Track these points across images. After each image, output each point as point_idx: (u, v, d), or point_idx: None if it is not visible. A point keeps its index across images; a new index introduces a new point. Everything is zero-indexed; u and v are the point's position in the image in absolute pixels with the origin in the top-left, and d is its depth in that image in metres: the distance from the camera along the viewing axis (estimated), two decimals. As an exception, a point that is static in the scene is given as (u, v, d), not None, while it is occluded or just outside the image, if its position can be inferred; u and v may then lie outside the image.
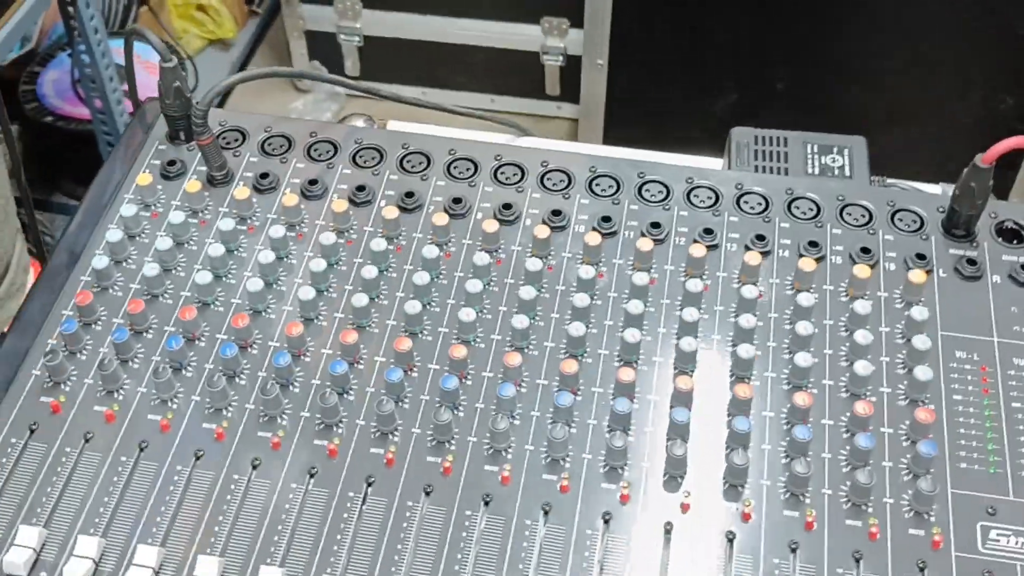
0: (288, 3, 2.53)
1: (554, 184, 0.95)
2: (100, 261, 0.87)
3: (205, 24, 2.66)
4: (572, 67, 2.56)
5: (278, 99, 2.68)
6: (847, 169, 1.05)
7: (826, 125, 1.11)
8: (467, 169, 0.96)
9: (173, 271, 0.88)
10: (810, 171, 1.04)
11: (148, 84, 2.40)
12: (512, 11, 2.45)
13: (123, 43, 0.95)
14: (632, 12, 2.12)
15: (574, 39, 2.50)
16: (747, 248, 0.89)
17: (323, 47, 2.73)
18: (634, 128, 2.11)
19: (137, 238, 0.90)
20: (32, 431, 0.79)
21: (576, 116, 2.70)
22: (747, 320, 0.83)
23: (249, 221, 0.92)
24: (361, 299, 0.84)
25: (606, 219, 0.91)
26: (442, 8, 2.48)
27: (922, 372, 0.79)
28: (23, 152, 2.34)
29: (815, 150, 1.06)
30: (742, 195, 0.94)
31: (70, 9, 1.98)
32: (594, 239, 0.88)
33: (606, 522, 0.75)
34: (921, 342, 0.81)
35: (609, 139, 2.13)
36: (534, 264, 0.87)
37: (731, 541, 0.74)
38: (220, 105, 1.91)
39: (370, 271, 0.86)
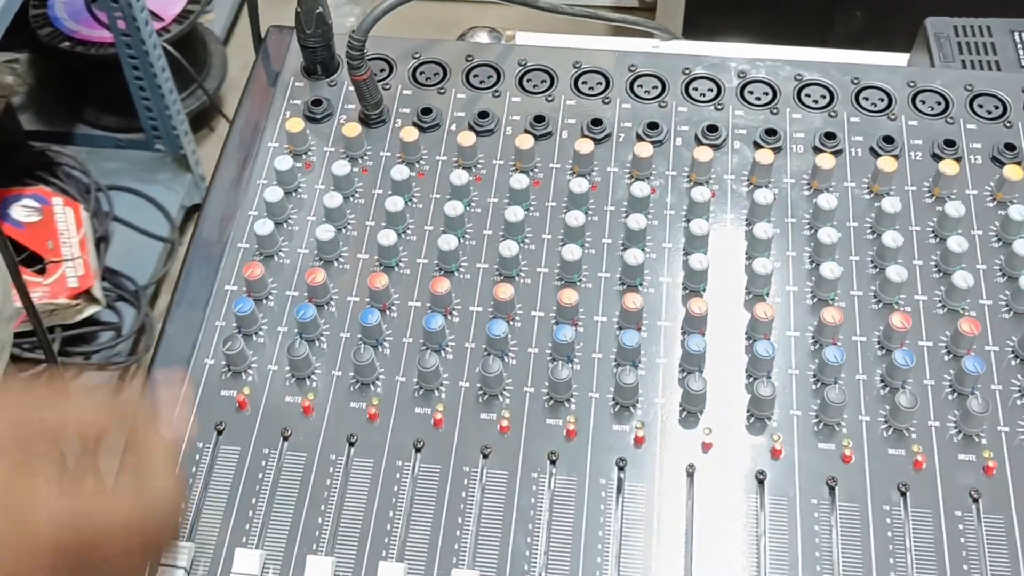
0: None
1: (757, 98, 0.83)
2: (263, 226, 0.75)
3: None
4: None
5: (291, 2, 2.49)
6: (1064, 57, 0.92)
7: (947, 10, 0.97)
8: (654, 87, 0.84)
9: (343, 230, 0.77)
10: (1024, 62, 0.92)
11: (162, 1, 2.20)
12: None
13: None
14: None
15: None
16: (995, 160, 0.78)
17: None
18: (717, 16, 1.95)
19: (294, 194, 0.79)
20: (219, 432, 0.69)
21: (633, 3, 2.54)
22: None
23: (418, 166, 0.80)
24: (575, 252, 0.73)
25: (830, 135, 0.80)
26: None
27: None
28: (37, 82, 2.14)
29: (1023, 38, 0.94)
30: (974, 97, 0.82)
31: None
32: (827, 162, 0.77)
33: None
34: None
35: (689, 30, 1.97)
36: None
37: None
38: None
39: (576, 217, 0.75)
